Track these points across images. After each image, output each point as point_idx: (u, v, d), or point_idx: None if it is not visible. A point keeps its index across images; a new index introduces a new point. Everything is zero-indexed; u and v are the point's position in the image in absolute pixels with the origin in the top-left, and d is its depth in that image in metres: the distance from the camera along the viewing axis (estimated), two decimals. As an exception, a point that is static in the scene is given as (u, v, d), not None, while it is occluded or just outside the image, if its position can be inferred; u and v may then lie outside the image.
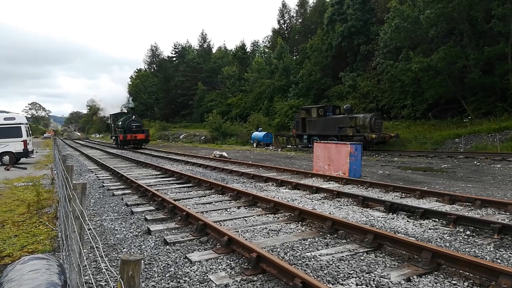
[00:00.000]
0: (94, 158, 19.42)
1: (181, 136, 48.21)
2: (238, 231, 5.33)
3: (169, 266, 4.15)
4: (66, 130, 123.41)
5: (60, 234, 5.27)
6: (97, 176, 12.36)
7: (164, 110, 66.35)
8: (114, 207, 7.40)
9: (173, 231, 5.52)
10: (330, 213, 6.18)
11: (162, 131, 54.84)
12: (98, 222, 6.31)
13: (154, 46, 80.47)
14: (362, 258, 4.21)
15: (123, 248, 4.89)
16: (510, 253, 4.26)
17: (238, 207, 6.97)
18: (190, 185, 9.85)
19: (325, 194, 8.04)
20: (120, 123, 32.71)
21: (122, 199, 8.21)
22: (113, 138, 36.63)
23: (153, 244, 4.98)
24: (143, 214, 6.59)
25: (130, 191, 9.05)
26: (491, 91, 21.30)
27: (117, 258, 4.45)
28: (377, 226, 5.40)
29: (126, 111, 36.61)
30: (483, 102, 21.62)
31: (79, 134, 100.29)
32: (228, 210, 6.79)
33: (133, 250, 4.78)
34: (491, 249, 4.41)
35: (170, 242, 4.93)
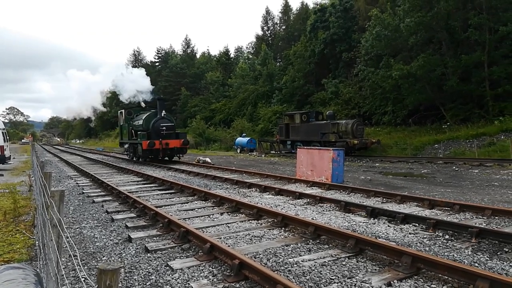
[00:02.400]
0: (74, 164, 19.03)
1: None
2: (221, 238, 5.29)
3: (150, 274, 4.08)
4: (45, 136, 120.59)
5: (37, 242, 5.12)
6: (77, 183, 12.09)
7: (146, 115, 65.50)
8: (94, 215, 7.25)
9: (155, 238, 5.44)
10: (312, 219, 6.21)
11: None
12: (78, 229, 6.17)
13: (137, 51, 79.81)
14: (344, 263, 4.24)
15: (103, 257, 4.79)
16: (487, 256, 4.36)
17: (221, 214, 6.93)
18: (173, 191, 9.74)
19: (308, 200, 8.08)
20: (140, 122, 20.07)
21: (102, 206, 8.05)
22: (126, 145, 22.50)
23: (134, 252, 4.89)
24: (123, 222, 6.48)
25: (110, 198, 8.89)
26: (468, 98, 21.90)
27: (97, 266, 4.35)
28: (358, 231, 5.45)
29: (142, 105, 22.94)
30: (461, 109, 22.21)
31: (58, 139, 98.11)
32: (211, 216, 6.74)
33: (113, 258, 4.69)
34: (469, 253, 4.51)
35: (151, 249, 4.86)
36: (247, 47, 63.93)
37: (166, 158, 20.43)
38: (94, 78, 28.23)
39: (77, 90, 29.17)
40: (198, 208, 7.47)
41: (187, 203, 8.12)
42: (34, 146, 24.36)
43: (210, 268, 4.18)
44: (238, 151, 30.13)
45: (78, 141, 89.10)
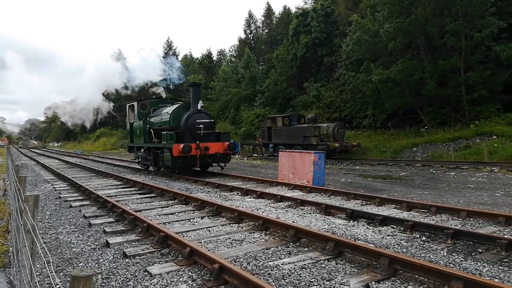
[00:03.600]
0: (51, 168, 18.56)
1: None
2: (201, 242, 5.25)
3: (128, 280, 4.01)
4: (22, 138, 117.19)
5: (11, 249, 4.96)
6: (54, 187, 11.80)
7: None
8: (71, 220, 7.09)
9: (133, 243, 5.36)
10: (293, 222, 6.24)
11: (124, 139, 53.33)
12: (54, 235, 6.01)
13: (118, 53, 78.63)
14: (323, 265, 4.27)
15: (80, 262, 4.69)
16: (462, 257, 4.47)
17: (202, 217, 6.88)
18: (153, 195, 9.62)
19: (289, 203, 8.11)
20: (164, 118, 14.59)
21: (79, 211, 7.88)
22: (141, 151, 16.16)
23: (111, 257, 4.80)
24: (101, 226, 6.35)
25: (88, 203, 8.71)
26: (445, 102, 22.48)
27: (70, 273, 4.25)
28: (338, 234, 5.51)
29: (162, 95, 18.43)
30: (438, 113, 22.77)
31: (35, 142, 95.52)
32: (191, 220, 6.69)
33: (90, 264, 4.59)
34: (445, 253, 4.61)
35: (129, 255, 4.78)
36: (229, 50, 63.94)
37: (198, 168, 14.48)
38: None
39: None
40: (179, 212, 7.39)
41: (167, 207, 8.03)
42: (9, 149, 23.64)
43: (190, 273, 4.14)
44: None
45: (56, 144, 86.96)
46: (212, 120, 14.30)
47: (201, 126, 13.42)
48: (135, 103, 16.49)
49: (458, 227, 5.62)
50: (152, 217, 6.91)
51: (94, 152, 43.42)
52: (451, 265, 4.19)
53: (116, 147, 49.88)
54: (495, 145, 17.59)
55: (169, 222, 6.53)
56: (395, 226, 5.89)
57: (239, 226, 6.19)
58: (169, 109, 14.72)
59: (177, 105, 14.62)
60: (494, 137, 18.50)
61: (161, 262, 4.53)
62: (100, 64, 23.16)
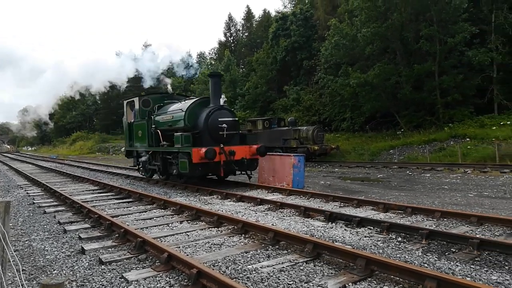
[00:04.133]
0: (25, 173, 18.00)
1: (123, 148, 46.19)
2: (179, 247, 5.20)
3: (104, 287, 3.93)
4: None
5: (-21, 258, 4.78)
6: (27, 193, 11.45)
7: (105, 121, 63.41)
8: (45, 226, 6.89)
9: (110, 249, 5.25)
10: (273, 225, 6.25)
11: (101, 143, 52.31)
12: (27, 242, 5.83)
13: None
14: (301, 268, 4.30)
15: (54, 270, 4.56)
16: (436, 257, 4.58)
17: (181, 222, 6.81)
18: (130, 200, 9.46)
19: (269, 206, 8.13)
20: (176, 116, 11.80)
21: (54, 217, 7.66)
22: (143, 156, 13.52)
23: (87, 264, 4.69)
24: (77, 233, 6.20)
25: (63, 208, 8.49)
26: (421, 106, 23.09)
27: (40, 281, 4.13)
28: (316, 236, 5.56)
29: (169, 90, 15.56)
30: (414, 116, 23.36)
31: (8, 146, 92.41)
32: (170, 225, 6.61)
33: (64, 272, 4.48)
34: (419, 254, 4.72)
35: (105, 261, 4.68)
36: (209, 53, 63.78)
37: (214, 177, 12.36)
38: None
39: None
40: (157, 217, 7.30)
41: (145, 212, 7.91)
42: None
43: (167, 279, 4.09)
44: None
45: (30, 148, 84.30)
46: (236, 119, 11.78)
47: (224, 126, 10.96)
48: (136, 99, 13.73)
49: (432, 228, 5.76)
50: (129, 222, 6.80)
51: (70, 157, 42.37)
52: (426, 265, 4.29)
53: (93, 151, 48.82)
54: (468, 147, 18.16)
55: (147, 227, 6.44)
56: (372, 228, 5.99)
57: (218, 230, 6.16)
58: (182, 105, 11.94)
59: (192, 101, 11.79)
60: (467, 139, 19.11)
61: (138, 268, 4.46)
62: (64, 65, 21.05)
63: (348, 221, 6.35)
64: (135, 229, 5.81)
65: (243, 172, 11.45)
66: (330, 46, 25.14)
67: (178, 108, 11.94)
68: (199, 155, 9.97)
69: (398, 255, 4.63)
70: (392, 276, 3.88)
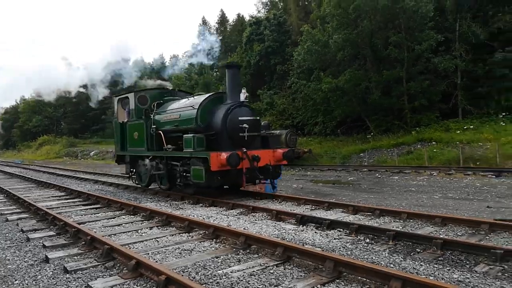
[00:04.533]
0: (-14, 179, 17.15)
1: (92, 153, 44.95)
2: (148, 253, 5.10)
3: (67, 296, 3.80)
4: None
5: None
6: (-12, 200, 10.91)
7: (73, 124, 61.43)
8: (6, 234, 6.59)
9: (75, 257, 5.08)
10: (244, 229, 6.24)
11: (69, 147, 50.61)
12: (-15, 252, 5.55)
13: (65, 57, 74.84)
14: (271, 271, 4.31)
15: (15, 280, 4.37)
16: (401, 257, 4.71)
17: (151, 228, 6.68)
18: (99, 206, 9.20)
19: (241, 210, 8.11)
20: (185, 114, 10.01)
21: (17, 224, 7.34)
22: (143, 162, 11.24)
23: (51, 273, 4.52)
24: (41, 241, 5.96)
25: (27, 215, 8.15)
26: (389, 110, 23.80)
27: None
28: (287, 239, 5.59)
29: (168, 87, 13.80)
30: (383, 120, 24.06)
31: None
32: (139, 231, 6.47)
33: (26, 282, 4.30)
34: (386, 254, 4.84)
35: (70, 270, 4.52)
36: (183, 56, 63.20)
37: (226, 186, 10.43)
38: None
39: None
40: (126, 223, 7.12)
41: (113, 218, 7.70)
42: None
43: (135, 286, 4.00)
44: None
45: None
46: (258, 118, 10.18)
47: (246, 126, 9.28)
48: (132, 96, 11.72)
49: (399, 229, 5.92)
50: (97, 229, 6.61)
51: (36, 161, 40.76)
52: (392, 265, 4.41)
53: (60, 156, 47.18)
54: (434, 150, 18.85)
55: (115, 234, 6.27)
56: (341, 230, 6.09)
57: (189, 236, 6.09)
58: (191, 102, 10.16)
59: (205, 97, 10.01)
60: (433, 143, 19.84)
61: (105, 276, 4.33)
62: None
63: (319, 223, 6.43)
64: (103, 236, 5.65)
65: (262, 181, 9.90)
66: (303, 51, 25.52)
67: (187, 105, 10.11)
68: (219, 162, 8.39)
69: (366, 256, 4.73)
70: (359, 277, 3.95)
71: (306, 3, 39.36)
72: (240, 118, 9.30)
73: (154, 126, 10.65)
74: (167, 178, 10.44)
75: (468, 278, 3.96)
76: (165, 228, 6.67)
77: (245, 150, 8.86)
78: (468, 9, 22.48)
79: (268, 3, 48.34)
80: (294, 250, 4.65)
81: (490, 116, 21.57)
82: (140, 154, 11.36)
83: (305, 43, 25.29)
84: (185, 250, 5.26)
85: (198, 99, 10.09)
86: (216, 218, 7.34)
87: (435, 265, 4.39)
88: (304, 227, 6.43)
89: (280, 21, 34.34)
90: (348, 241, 5.49)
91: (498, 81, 21.75)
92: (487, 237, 5.52)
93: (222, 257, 4.89)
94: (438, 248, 4.88)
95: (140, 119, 11.26)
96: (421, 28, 21.97)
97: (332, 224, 6.27)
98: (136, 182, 12.13)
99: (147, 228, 6.68)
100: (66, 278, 4.32)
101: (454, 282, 3.85)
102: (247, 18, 47.80)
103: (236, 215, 7.69)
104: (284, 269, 4.38)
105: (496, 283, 3.80)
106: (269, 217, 7.32)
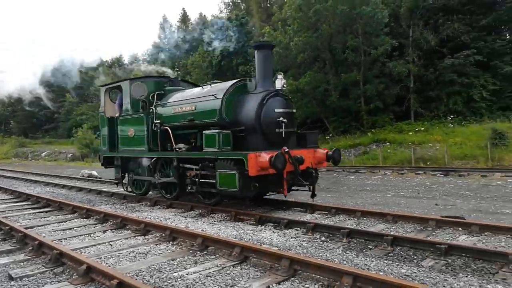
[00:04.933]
0: None
1: (43, 153, 42.70)
2: (101, 258, 4.92)
3: (10, 306, 3.58)
4: None
5: None
6: None
7: (23, 124, 57.94)
8: None
9: (21, 263, 4.81)
10: (202, 230, 6.19)
11: (19, 148, 47.75)
12: None
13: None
14: (228, 272, 4.31)
15: (-49, 291, 4.06)
16: (354, 254, 4.87)
17: (104, 231, 6.46)
18: (49, 209, 8.75)
19: (200, 211, 8.04)
20: (209, 106, 7.90)
21: (-44, 230, 6.82)
22: (141, 165, 9.55)
23: (-7, 281, 4.24)
24: (-17, 247, 5.58)
25: (-32, 221, 7.59)
26: (347, 112, 24.59)
27: None
28: (245, 239, 5.61)
29: (169, 75, 11.97)
30: (341, 121, 24.82)
31: None
32: (92, 235, 6.23)
33: (-35, 292, 4.00)
34: (340, 252, 4.99)
35: (16, 277, 4.27)
36: (143, 54, 61.58)
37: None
38: None
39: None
40: (78, 227, 6.84)
41: (65, 222, 7.37)
42: None
43: (85, 292, 3.85)
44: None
45: None
46: (294, 110, 8.36)
47: (283, 120, 7.63)
48: (126, 84, 9.71)
49: (353, 227, 6.13)
50: (46, 233, 6.29)
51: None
52: (345, 262, 4.55)
53: (8, 157, 44.40)
54: (388, 150, 19.68)
55: (65, 238, 6.00)
56: (298, 229, 6.20)
57: (145, 238, 5.95)
58: (210, 90, 8.21)
59: (230, 84, 8.05)
60: (388, 143, 20.71)
61: (53, 283, 4.14)
62: None
63: (277, 223, 6.51)
64: (52, 241, 5.39)
65: (294, 189, 8.21)
66: (264, 52, 25.69)
67: (206, 94, 8.20)
68: (260, 165, 6.78)
69: (320, 254, 4.84)
70: (313, 275, 4.04)
71: (268, 5, 39.78)
72: (276, 111, 7.62)
73: (158, 121, 8.86)
74: (179, 185, 8.62)
75: (415, 272, 4.16)
76: (120, 232, 6.47)
77: (287, 149, 7.11)
78: (421, 17, 23.72)
79: (231, 3, 48.33)
80: (251, 250, 4.68)
81: (440, 118, 22.85)
82: (138, 155, 9.55)
83: (267, 44, 25.49)
84: (140, 253, 5.13)
85: (220, 86, 8.27)
86: (174, 220, 7.22)
87: (385, 261, 4.58)
88: (263, 227, 6.49)
89: (242, 22, 34.39)
90: (304, 239, 5.60)
91: (447, 86, 23.09)
92: (434, 233, 5.84)
93: (178, 259, 4.82)
94: (388, 245, 5.10)
95: (137, 113, 9.38)
96: (377, 33, 22.87)
97: (290, 224, 6.37)
98: (129, 189, 10.34)
99: (100, 231, 6.45)
100: (11, 285, 4.08)
101: (401, 277, 4.03)
102: (209, 18, 47.56)
103: (195, 217, 7.61)
104: (241, 269, 4.39)
105: (440, 276, 4.02)
106: (228, 218, 7.31)
